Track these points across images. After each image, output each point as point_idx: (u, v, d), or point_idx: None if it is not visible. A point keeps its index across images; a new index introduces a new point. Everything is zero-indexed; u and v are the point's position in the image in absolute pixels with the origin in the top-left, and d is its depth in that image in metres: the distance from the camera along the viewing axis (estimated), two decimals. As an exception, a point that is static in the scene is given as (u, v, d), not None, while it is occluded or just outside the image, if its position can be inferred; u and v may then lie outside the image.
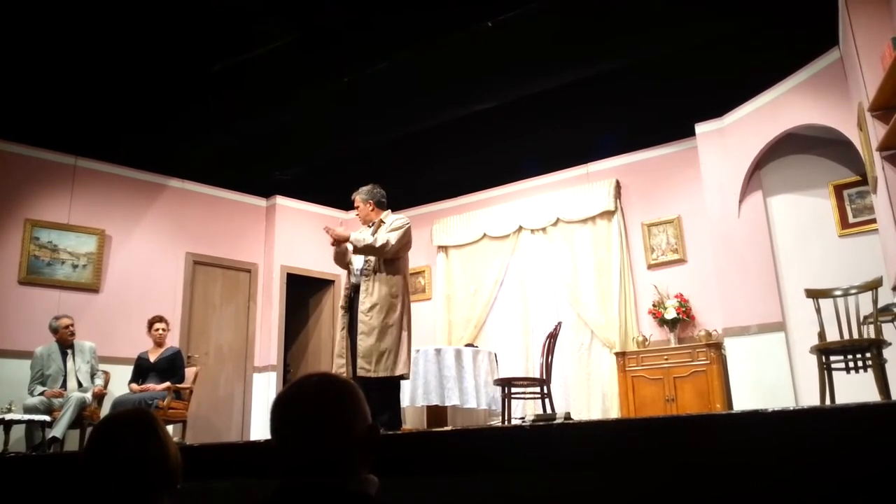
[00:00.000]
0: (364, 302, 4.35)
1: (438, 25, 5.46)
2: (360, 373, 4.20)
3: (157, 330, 6.60)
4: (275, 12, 5.25)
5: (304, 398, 1.38)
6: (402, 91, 6.37)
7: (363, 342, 4.27)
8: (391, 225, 4.56)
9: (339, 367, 4.41)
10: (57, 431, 5.76)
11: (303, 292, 8.66)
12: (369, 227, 4.76)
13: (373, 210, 4.70)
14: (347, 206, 8.78)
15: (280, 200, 8.55)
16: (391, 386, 4.35)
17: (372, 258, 4.44)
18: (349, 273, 4.64)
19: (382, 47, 5.73)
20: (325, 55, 5.82)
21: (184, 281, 7.76)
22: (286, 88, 6.31)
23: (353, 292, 4.53)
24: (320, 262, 8.67)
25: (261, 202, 8.61)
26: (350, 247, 4.55)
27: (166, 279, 7.65)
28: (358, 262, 4.57)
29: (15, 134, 6.88)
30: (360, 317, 4.32)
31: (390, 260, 4.47)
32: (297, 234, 8.58)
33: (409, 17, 5.34)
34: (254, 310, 8.23)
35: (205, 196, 8.17)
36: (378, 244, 4.38)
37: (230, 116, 6.75)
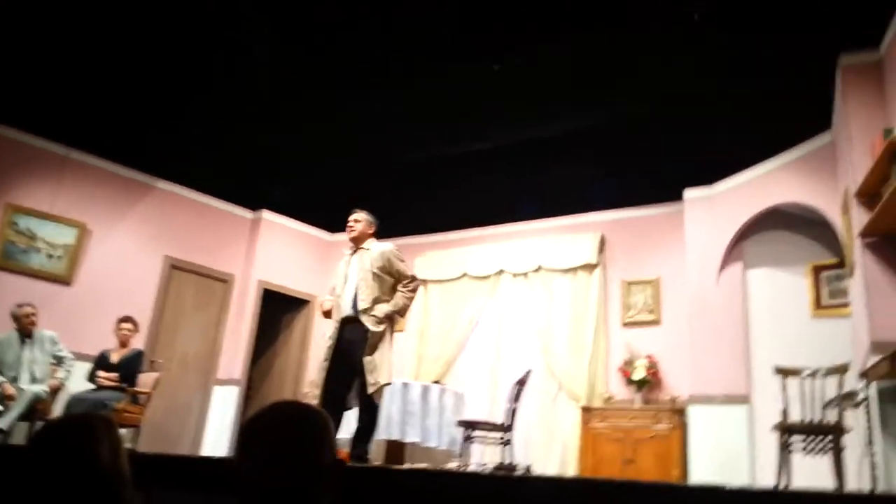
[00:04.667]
0: (371, 334, 4.40)
1: (442, 62, 5.52)
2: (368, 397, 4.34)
3: (123, 330, 6.49)
4: (278, 35, 5.30)
5: (274, 423, 1.38)
6: (399, 122, 6.41)
7: (370, 373, 4.36)
8: (399, 261, 4.63)
9: (315, 398, 4.41)
10: (3, 423, 5.62)
11: (276, 309, 8.59)
12: (352, 250, 4.73)
13: (370, 234, 4.71)
14: (333, 227, 8.85)
15: (266, 215, 8.52)
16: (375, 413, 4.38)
17: (368, 289, 4.45)
18: (336, 307, 4.59)
19: (383, 78, 5.78)
20: (327, 81, 5.86)
21: (158, 284, 7.68)
22: (287, 106, 6.33)
23: (347, 323, 4.49)
24: (298, 280, 8.65)
25: (247, 214, 8.57)
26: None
27: (141, 280, 7.57)
28: (349, 293, 4.53)
29: (7, 117, 6.84)
30: (361, 347, 4.38)
31: (388, 295, 4.49)
32: (279, 251, 8.55)
33: (410, 51, 5.40)
34: (224, 321, 8.13)
35: (191, 201, 8.13)
36: (406, 299, 4.58)
37: (227, 125, 6.75)
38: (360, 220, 4.77)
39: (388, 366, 4.42)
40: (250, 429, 1.43)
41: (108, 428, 1.72)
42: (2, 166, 6.83)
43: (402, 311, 4.60)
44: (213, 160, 7.53)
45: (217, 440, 7.45)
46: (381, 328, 4.45)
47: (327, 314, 4.64)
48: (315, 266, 8.81)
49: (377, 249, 4.65)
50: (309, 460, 1.37)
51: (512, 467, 4.38)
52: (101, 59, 5.79)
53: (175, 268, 7.82)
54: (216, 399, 7.77)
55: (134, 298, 7.41)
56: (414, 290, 4.64)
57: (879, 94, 4.84)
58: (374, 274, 4.52)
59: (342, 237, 8.63)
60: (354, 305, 4.49)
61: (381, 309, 4.48)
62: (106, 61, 5.82)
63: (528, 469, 3.74)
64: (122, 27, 5.32)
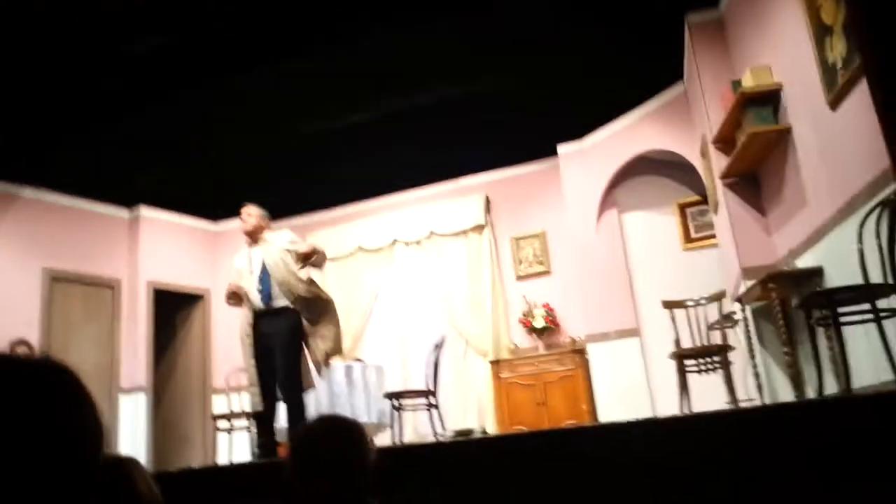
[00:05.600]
0: (281, 325, 4.47)
1: (315, 38, 5.58)
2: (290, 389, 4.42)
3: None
4: (150, 14, 5.13)
5: (324, 436, 1.57)
6: (274, 100, 6.39)
7: (283, 362, 4.43)
8: (296, 239, 4.72)
9: (254, 395, 4.49)
10: None
11: (171, 308, 8.38)
12: (249, 244, 4.76)
13: (265, 227, 4.77)
14: (217, 216, 8.68)
15: (144, 211, 8.20)
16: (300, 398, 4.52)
17: (278, 281, 4.51)
18: (246, 300, 4.63)
19: (257, 56, 5.73)
20: (199, 60, 5.72)
21: (41, 299, 7.28)
22: (154, 92, 6.10)
23: (257, 317, 4.56)
24: (189, 275, 8.46)
25: (123, 213, 8.22)
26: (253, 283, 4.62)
27: (21, 297, 7.13)
28: (254, 287, 4.58)
29: None
30: (280, 340, 4.45)
31: (297, 278, 4.58)
32: (164, 247, 8.29)
33: (287, 28, 5.42)
34: (118, 328, 7.86)
35: (62, 206, 7.67)
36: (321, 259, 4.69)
37: (90, 119, 6.42)
38: (252, 213, 4.79)
39: (307, 365, 4.61)
40: (302, 443, 1.64)
41: (136, 465, 1.83)
42: None
43: (317, 256, 4.69)
44: (79, 160, 7.15)
45: (134, 450, 7.27)
46: (296, 317, 4.57)
47: (233, 297, 4.65)
48: (204, 258, 8.64)
49: (278, 240, 4.71)
50: (357, 468, 1.61)
51: (469, 431, 4.70)
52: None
53: (56, 279, 7.44)
54: (124, 408, 7.55)
55: (16, 317, 7.00)
56: (320, 251, 4.70)
57: (724, 49, 5.44)
58: (281, 266, 4.57)
59: (228, 225, 8.58)
60: (265, 299, 4.57)
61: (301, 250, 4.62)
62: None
63: (483, 430, 4.05)
64: None
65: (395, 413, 5.43)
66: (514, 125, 7.04)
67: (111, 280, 7.93)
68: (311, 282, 4.65)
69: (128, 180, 7.69)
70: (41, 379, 0.83)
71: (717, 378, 4.76)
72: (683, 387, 4.77)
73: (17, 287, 7.14)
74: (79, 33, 5.24)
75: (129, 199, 8.13)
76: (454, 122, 6.83)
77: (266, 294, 4.54)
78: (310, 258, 4.63)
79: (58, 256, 7.50)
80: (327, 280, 8.33)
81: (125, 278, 8.04)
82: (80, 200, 7.82)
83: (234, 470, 3.99)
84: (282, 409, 4.67)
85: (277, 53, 5.70)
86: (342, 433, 1.68)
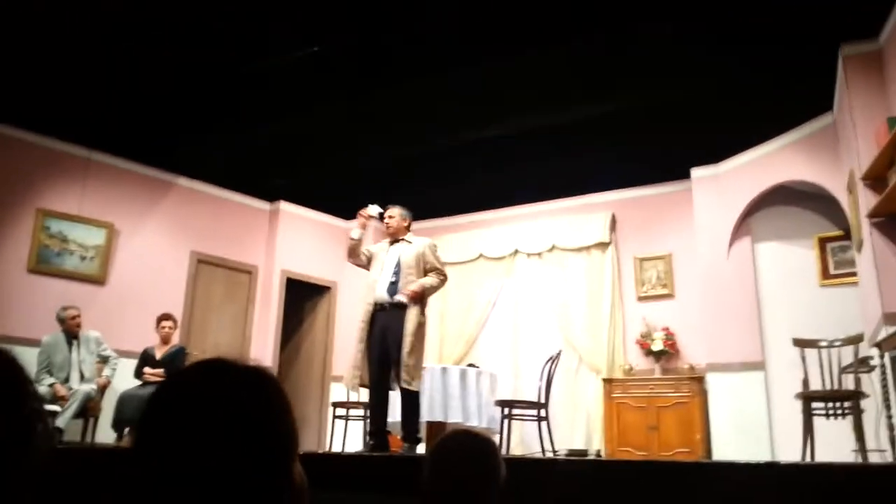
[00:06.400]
0: (409, 321, 4.68)
1: (454, 57, 5.75)
2: (405, 385, 4.62)
3: (165, 328, 6.77)
4: (296, 25, 5.49)
5: (457, 450, 1.71)
6: (410, 111, 6.64)
7: (408, 359, 4.62)
8: (435, 255, 4.94)
9: (353, 377, 4.73)
10: (61, 422, 5.91)
11: (299, 297, 8.87)
12: (391, 241, 5.02)
13: (406, 227, 5.00)
14: (348, 215, 9.09)
15: (284, 206, 8.75)
16: (418, 397, 4.71)
17: (407, 280, 4.75)
18: (371, 290, 4.88)
19: (397, 68, 5.99)
20: (342, 70, 6.05)
21: (187, 279, 7.93)
22: (300, 99, 6.50)
23: (379, 309, 4.79)
24: (320, 268, 8.93)
25: (265, 206, 8.80)
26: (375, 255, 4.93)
27: (171, 276, 7.81)
28: (385, 279, 4.83)
29: (31, 122, 6.97)
30: (406, 336, 4.65)
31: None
32: (299, 240, 8.80)
33: (426, 44, 5.63)
34: (252, 311, 8.42)
35: (212, 196, 8.34)
36: (437, 282, 4.92)
37: (244, 120, 6.93)
38: (393, 215, 5.05)
39: (421, 363, 4.78)
40: (439, 455, 1.78)
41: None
42: (30, 172, 6.99)
43: (429, 291, 4.89)
44: (231, 154, 7.74)
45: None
46: (419, 314, 4.75)
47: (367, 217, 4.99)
48: (334, 253, 9.06)
49: (418, 244, 4.95)
50: (490, 482, 1.73)
51: (583, 452, 4.74)
52: (117, 61, 5.93)
53: (202, 262, 8.07)
54: (251, 387, 8.07)
55: (165, 294, 7.67)
56: (444, 279, 4.97)
57: (880, 83, 5.16)
58: (414, 266, 4.83)
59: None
60: (391, 292, 4.80)
61: (417, 282, 4.79)
62: (122, 64, 5.96)
63: (598, 453, 4.10)
64: (138, 31, 5.48)
65: (505, 421, 5.52)
66: (646, 145, 6.97)
67: (250, 266, 8.50)
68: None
69: (271, 177, 8.23)
70: (262, 385, 0.89)
71: (845, 424, 4.55)
72: (808, 430, 4.59)
73: (168, 265, 7.81)
74: (237, 44, 5.70)
75: (271, 193, 8.69)
76: (586, 140, 6.84)
77: (394, 287, 4.77)
78: (433, 273, 4.86)
79: (205, 241, 8.14)
80: (448, 283, 8.54)
81: (262, 265, 8.60)
82: (228, 192, 8.45)
83: (349, 459, 4.21)
84: (395, 403, 4.89)
85: (416, 70, 5.93)
86: (477, 448, 1.80)
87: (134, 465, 0.83)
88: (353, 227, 5.11)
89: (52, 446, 5.59)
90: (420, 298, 4.80)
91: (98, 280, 7.29)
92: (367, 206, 5.05)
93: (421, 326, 4.79)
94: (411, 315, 4.73)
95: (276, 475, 0.85)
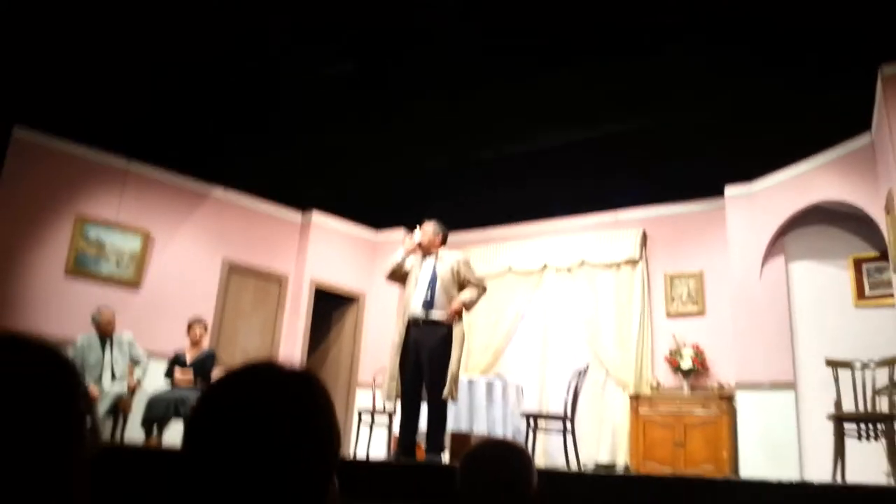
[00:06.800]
0: (453, 335, 4.74)
1: (486, 71, 5.80)
2: (445, 396, 4.67)
3: (196, 331, 6.87)
4: (333, 41, 5.58)
5: (492, 459, 1.73)
6: (442, 126, 6.69)
7: (448, 372, 4.68)
8: (469, 267, 4.97)
9: (391, 387, 4.76)
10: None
11: (328, 306, 8.95)
12: (423, 255, 5.04)
13: (439, 243, 5.03)
14: (379, 225, 9.19)
15: (316, 216, 8.85)
16: (445, 409, 4.74)
17: (442, 295, 4.79)
18: (405, 305, 4.92)
19: (433, 85, 6.05)
20: (376, 84, 6.11)
21: (218, 285, 8.05)
22: (334, 111, 6.59)
23: (413, 324, 4.82)
24: (348, 278, 9.00)
25: (297, 216, 8.91)
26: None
27: (203, 282, 7.94)
28: (419, 295, 4.85)
29: (73, 133, 7.17)
30: (430, 350, 4.70)
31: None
32: (329, 250, 8.89)
33: (460, 60, 5.67)
34: (281, 318, 8.51)
35: (245, 206, 8.47)
36: (476, 295, 4.92)
37: (278, 132, 7.05)
38: (428, 231, 5.08)
39: (458, 375, 4.79)
40: (472, 463, 1.79)
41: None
42: (70, 179, 7.18)
43: (469, 305, 4.91)
44: (265, 166, 7.86)
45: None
46: (456, 327, 4.78)
47: (416, 245, 4.99)
48: (363, 263, 9.16)
49: (451, 258, 4.98)
50: (522, 492, 1.74)
51: (611, 466, 4.71)
52: (154, 74, 6.07)
53: (233, 270, 8.19)
54: (278, 394, 8.16)
55: (197, 300, 7.79)
56: (483, 290, 4.98)
57: (921, 103, 5.10)
58: (449, 281, 4.85)
59: (388, 235, 9.04)
60: (426, 307, 4.83)
61: (458, 299, 4.81)
62: (158, 77, 6.10)
63: (626, 468, 4.08)
64: (174, 43, 5.60)
65: (530, 433, 5.50)
66: (679, 163, 6.93)
67: (279, 275, 8.60)
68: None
69: (304, 187, 8.35)
70: (311, 389, 0.90)
71: (877, 447, 4.46)
72: (839, 452, 4.50)
73: (201, 272, 7.95)
74: (274, 57, 5.81)
75: (303, 203, 8.80)
76: (618, 156, 6.84)
77: (429, 303, 4.79)
78: (470, 286, 4.88)
79: (237, 249, 8.27)
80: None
81: (292, 274, 8.70)
82: (260, 202, 8.59)
83: (376, 467, 4.22)
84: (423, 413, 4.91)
85: (449, 84, 5.99)
86: (510, 458, 1.81)
87: (183, 466, 0.84)
88: (387, 241, 5.15)
89: (99, 443, 5.72)
90: (459, 316, 4.84)
91: (133, 284, 7.44)
92: (414, 230, 5.08)
93: (461, 339, 4.83)
94: (455, 330, 4.79)
95: (319, 479, 0.86)
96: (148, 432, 6.24)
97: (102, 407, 6.16)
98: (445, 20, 5.19)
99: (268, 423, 0.83)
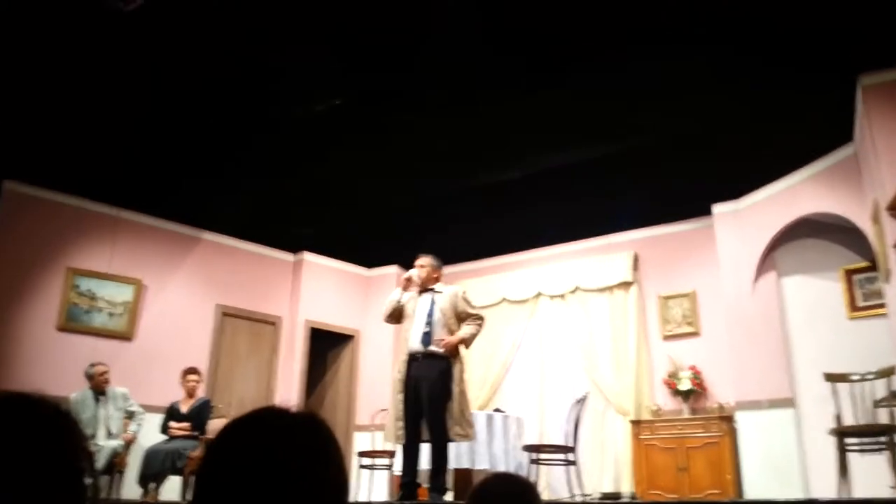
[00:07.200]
0: (432, 369, 4.71)
1: (469, 99, 5.82)
2: (458, 439, 4.70)
3: (190, 381, 6.81)
4: (320, 78, 5.61)
5: (500, 493, 1.71)
6: (423, 159, 6.71)
7: (456, 411, 4.66)
8: (467, 301, 4.97)
9: (398, 429, 4.70)
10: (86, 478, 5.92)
11: (323, 346, 8.90)
12: (419, 290, 5.01)
13: (436, 278, 5.03)
14: (369, 263, 9.18)
15: (307, 256, 8.84)
16: (447, 447, 4.71)
17: (441, 329, 4.78)
18: (404, 342, 4.90)
19: (414, 115, 6.07)
20: (360, 120, 6.14)
21: (213, 331, 8.00)
22: (318, 150, 6.61)
23: (413, 359, 4.79)
24: (343, 316, 8.97)
25: (288, 257, 8.91)
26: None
27: (197, 329, 7.89)
28: (417, 330, 4.83)
29: (61, 184, 7.18)
30: (429, 385, 4.67)
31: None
32: (322, 289, 8.87)
33: (442, 89, 5.70)
34: (276, 361, 8.45)
35: (236, 249, 8.47)
36: (476, 329, 4.92)
37: (265, 173, 7.07)
38: (424, 265, 5.08)
39: (468, 411, 4.76)
40: (478, 498, 1.78)
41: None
42: (61, 231, 7.18)
43: (469, 340, 4.90)
44: (252, 208, 7.89)
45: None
46: (458, 363, 4.75)
47: (408, 280, 4.97)
48: (357, 301, 9.13)
49: (449, 292, 4.97)
50: None
51: (617, 495, 4.63)
52: (142, 121, 6.10)
53: (227, 314, 8.15)
54: (276, 437, 8.06)
55: (191, 348, 7.74)
56: (481, 323, 4.96)
57: (901, 109, 5.13)
58: (448, 314, 4.84)
59: (381, 271, 9.04)
60: (425, 342, 4.80)
61: (456, 335, 4.79)
62: (145, 122, 6.13)
63: (633, 496, 4.02)
64: (159, 88, 5.64)
65: (533, 466, 5.44)
66: (666, 183, 6.95)
67: (273, 317, 8.57)
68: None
69: (294, 228, 8.36)
70: (317, 432, 0.91)
71: (881, 459, 4.41)
72: (843, 467, 4.45)
73: (194, 318, 7.91)
74: (254, 100, 5.85)
75: (294, 244, 8.80)
76: (606, 180, 6.85)
77: (428, 337, 4.76)
78: (470, 320, 4.87)
79: (229, 294, 8.24)
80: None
81: (286, 316, 8.66)
82: (252, 245, 8.58)
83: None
84: (424, 452, 4.85)
85: (433, 110, 6.02)
86: (518, 492, 1.79)
87: None
88: (380, 276, 5.15)
89: (98, 501, 5.63)
90: (456, 350, 4.81)
91: (126, 336, 7.39)
92: (411, 271, 5.08)
93: (460, 375, 4.81)
94: (454, 367, 4.77)
95: None
96: (145, 488, 6.15)
97: (98, 463, 6.07)
98: (430, 54, 5.25)
99: (278, 470, 0.83)
